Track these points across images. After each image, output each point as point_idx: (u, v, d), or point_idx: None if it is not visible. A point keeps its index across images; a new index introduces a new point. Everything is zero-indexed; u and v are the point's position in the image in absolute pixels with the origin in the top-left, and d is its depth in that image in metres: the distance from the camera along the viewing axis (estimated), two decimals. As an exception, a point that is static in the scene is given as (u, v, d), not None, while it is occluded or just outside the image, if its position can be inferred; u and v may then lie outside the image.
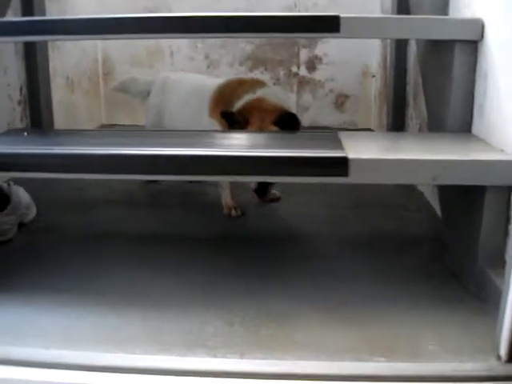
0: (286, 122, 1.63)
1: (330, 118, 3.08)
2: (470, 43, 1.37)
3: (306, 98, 3.10)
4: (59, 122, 2.46)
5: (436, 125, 1.54)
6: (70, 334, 1.10)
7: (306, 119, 2.96)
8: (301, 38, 1.37)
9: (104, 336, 1.09)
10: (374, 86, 2.99)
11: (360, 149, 1.23)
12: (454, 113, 1.42)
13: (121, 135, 1.53)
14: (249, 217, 1.79)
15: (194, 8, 2.47)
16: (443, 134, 1.44)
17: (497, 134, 1.27)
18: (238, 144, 1.38)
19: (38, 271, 1.37)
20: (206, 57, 3.07)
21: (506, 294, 0.95)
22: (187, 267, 1.41)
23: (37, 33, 1.42)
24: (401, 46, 2.24)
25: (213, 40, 3.02)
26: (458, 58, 1.39)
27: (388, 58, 2.48)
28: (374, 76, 3.00)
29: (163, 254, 1.49)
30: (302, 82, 3.08)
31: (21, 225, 1.64)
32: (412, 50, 2.13)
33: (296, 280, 1.34)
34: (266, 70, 3.05)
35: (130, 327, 1.12)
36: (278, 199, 1.92)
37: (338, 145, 1.25)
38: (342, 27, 1.35)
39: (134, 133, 1.67)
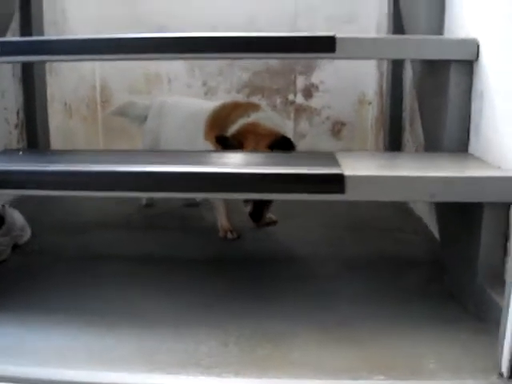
0: (281, 147, 1.62)
1: (326, 145, 3.07)
2: (465, 63, 1.38)
3: (303, 125, 3.10)
4: (56, 148, 2.45)
5: (432, 146, 1.54)
6: (63, 353, 1.07)
7: (302, 146, 2.95)
8: (296, 58, 1.36)
9: (98, 356, 1.07)
10: (371, 114, 3.00)
11: (357, 166, 1.23)
12: (450, 133, 1.42)
13: (116, 154, 1.52)
14: (245, 239, 1.77)
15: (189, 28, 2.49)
16: (440, 153, 1.43)
17: (493, 152, 1.27)
18: (233, 162, 1.37)
19: (32, 292, 1.35)
20: (204, 84, 3.08)
21: (507, 309, 0.93)
22: (183, 288, 1.39)
23: (35, 52, 1.42)
24: (397, 72, 2.25)
25: (210, 68, 3.05)
26: (454, 78, 1.39)
27: (384, 85, 2.50)
28: (370, 103, 3.01)
29: (159, 276, 1.47)
30: (299, 110, 3.09)
31: (15, 246, 1.63)
32: (408, 77, 2.14)
33: (293, 300, 1.32)
34: (262, 97, 3.06)
35: (124, 347, 1.10)
36: (274, 223, 1.91)
37: (334, 163, 1.24)
38: (338, 47, 1.35)
39: (130, 152, 1.66)
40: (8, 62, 1.60)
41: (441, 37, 1.51)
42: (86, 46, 1.41)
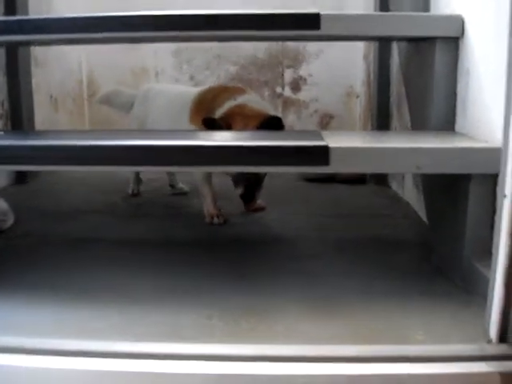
0: (271, 127, 1.59)
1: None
2: (450, 40, 1.37)
3: (291, 118, 3.10)
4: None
5: (419, 126, 1.53)
6: (44, 326, 1.05)
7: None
8: (282, 37, 1.35)
9: (79, 328, 1.05)
10: (359, 106, 3.00)
11: (341, 140, 1.21)
12: (436, 111, 1.41)
13: (100, 133, 1.49)
14: (232, 224, 1.75)
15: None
16: (427, 131, 1.42)
17: (480, 128, 1.26)
18: (219, 137, 1.35)
19: (15, 271, 1.33)
20: (191, 78, 3.07)
21: (494, 272, 0.92)
22: (167, 269, 1.37)
23: (19, 32, 1.39)
24: (383, 59, 2.24)
25: (197, 61, 3.04)
26: (440, 56, 1.38)
27: (371, 74, 2.49)
28: (358, 97, 3.01)
29: (144, 258, 1.45)
30: (287, 103, 3.09)
31: (-3, 232, 1.60)
32: (395, 63, 2.14)
33: (280, 278, 1.30)
34: (250, 90, 3.05)
35: (104, 321, 1.07)
36: (262, 209, 1.89)
37: (319, 138, 1.23)
38: (323, 24, 1.34)
39: (114, 131, 1.63)
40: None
41: (426, 13, 1.51)
42: (71, 24, 1.39)
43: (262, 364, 0.85)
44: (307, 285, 1.27)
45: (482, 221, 1.19)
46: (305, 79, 3.06)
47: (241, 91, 1.76)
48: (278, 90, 3.08)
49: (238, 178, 1.67)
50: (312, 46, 3.02)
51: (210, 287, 1.26)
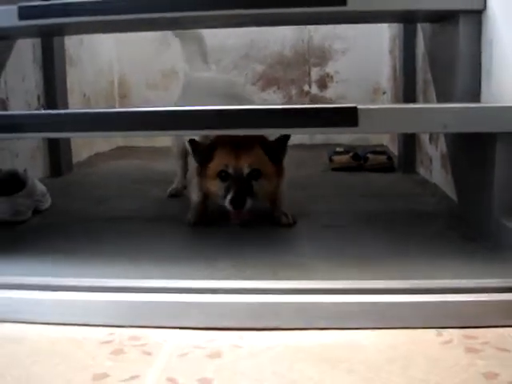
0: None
1: (342, 135, 3.08)
2: (473, 13, 1.39)
3: (318, 116, 3.13)
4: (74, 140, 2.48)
5: (445, 100, 1.56)
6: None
7: (318, 137, 2.99)
8: (309, 14, 1.38)
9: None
10: (386, 102, 3.02)
11: (370, 105, 1.24)
12: (462, 84, 1.43)
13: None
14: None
15: None
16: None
17: (505, 96, 1.28)
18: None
19: (51, 241, 1.40)
20: (220, 78, 3.14)
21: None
22: (196, 239, 1.44)
23: (55, 15, 1.46)
24: (409, 50, 2.27)
25: (225, 61, 3.11)
26: (463, 29, 1.41)
27: (397, 68, 2.52)
28: (384, 93, 3.04)
29: (174, 233, 1.49)
30: (314, 100, 3.13)
31: (36, 212, 1.66)
32: (420, 52, 2.16)
33: (307, 243, 1.35)
34: (278, 89, 3.11)
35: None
36: (290, 224, 1.53)
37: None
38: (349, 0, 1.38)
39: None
40: (27, 30, 1.64)
41: (449, -13, 1.53)
42: (105, 5, 1.45)
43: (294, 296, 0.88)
44: (336, 247, 1.30)
45: (510, 181, 1.21)
46: (331, 77, 3.11)
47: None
48: (305, 87, 3.13)
49: (229, 185, 1.42)
50: (338, 44, 3.07)
51: (237, 249, 1.31)
